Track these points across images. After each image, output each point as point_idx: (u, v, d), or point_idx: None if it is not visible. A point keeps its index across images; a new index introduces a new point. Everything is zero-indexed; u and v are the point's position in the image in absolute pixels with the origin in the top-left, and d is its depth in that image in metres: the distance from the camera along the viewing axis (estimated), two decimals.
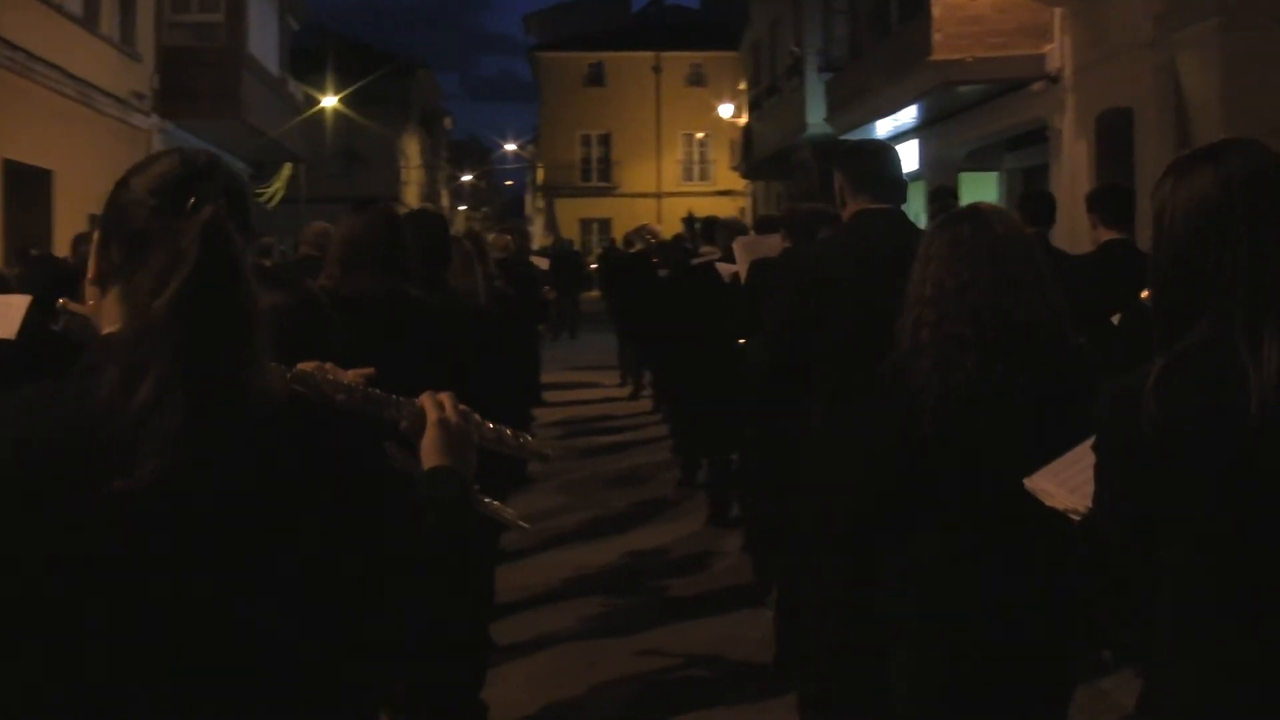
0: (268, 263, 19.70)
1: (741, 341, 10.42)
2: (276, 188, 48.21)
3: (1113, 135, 21.36)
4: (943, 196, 14.10)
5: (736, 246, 11.15)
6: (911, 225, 7.04)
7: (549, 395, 23.70)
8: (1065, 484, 3.96)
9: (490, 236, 19.59)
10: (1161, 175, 3.36)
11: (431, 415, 3.14)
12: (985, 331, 4.64)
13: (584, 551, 13.03)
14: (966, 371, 4.63)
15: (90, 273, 2.76)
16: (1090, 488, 3.62)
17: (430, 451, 3.09)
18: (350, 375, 3.15)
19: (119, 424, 2.46)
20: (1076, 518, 3.83)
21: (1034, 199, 10.61)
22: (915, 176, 28.22)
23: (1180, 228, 3.23)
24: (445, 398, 3.20)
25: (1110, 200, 9.61)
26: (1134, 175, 19.52)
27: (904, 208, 7.26)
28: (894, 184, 7.10)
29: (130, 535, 2.49)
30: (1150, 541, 3.34)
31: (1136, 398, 3.23)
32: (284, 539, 2.64)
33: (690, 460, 16.39)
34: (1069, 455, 4.01)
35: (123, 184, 2.74)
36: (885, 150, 7.41)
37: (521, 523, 3.49)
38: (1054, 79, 23.68)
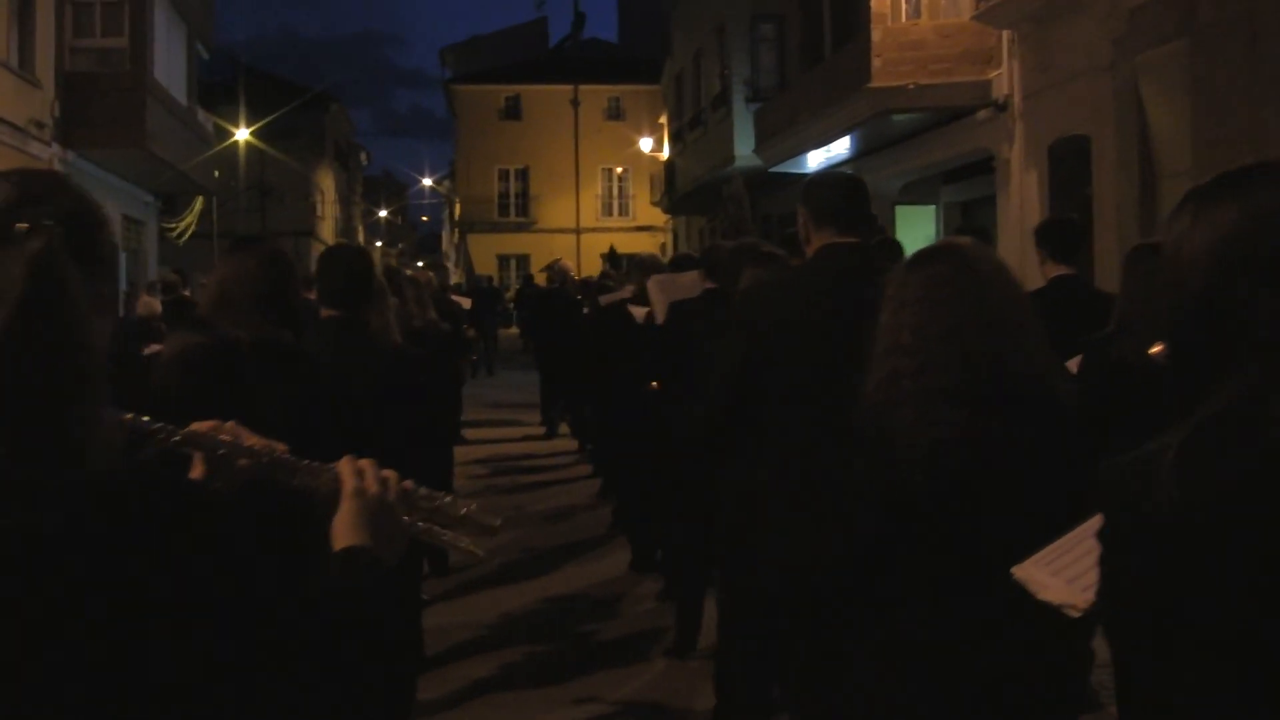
0: (186, 294, 19.10)
1: (654, 385, 10.98)
2: (188, 222, 47.67)
3: (1066, 165, 20.90)
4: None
5: (651, 286, 11.08)
6: (875, 260, 6.76)
7: (468, 433, 23.08)
8: (1061, 573, 3.62)
9: (409, 272, 19.00)
10: (1177, 207, 2.85)
11: (347, 484, 2.82)
12: (976, 382, 4.25)
13: (509, 594, 12.83)
14: (956, 426, 4.22)
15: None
16: (1090, 578, 3.20)
17: (343, 528, 2.76)
18: (256, 439, 2.93)
19: None
20: (1075, 613, 3.48)
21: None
22: None
23: (1204, 267, 2.73)
24: (366, 464, 2.87)
25: (1057, 234, 9.33)
26: (1091, 206, 19.04)
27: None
28: (860, 216, 6.87)
29: None
30: (1165, 647, 2.84)
31: (1149, 477, 2.76)
32: (116, 635, 2.25)
33: (619, 502, 16.07)
34: (1064, 540, 3.65)
35: None
36: (850, 181, 7.14)
37: (475, 549, 3.08)
38: (1001, 106, 23.13)
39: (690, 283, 10.31)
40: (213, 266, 6.39)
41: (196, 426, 2.90)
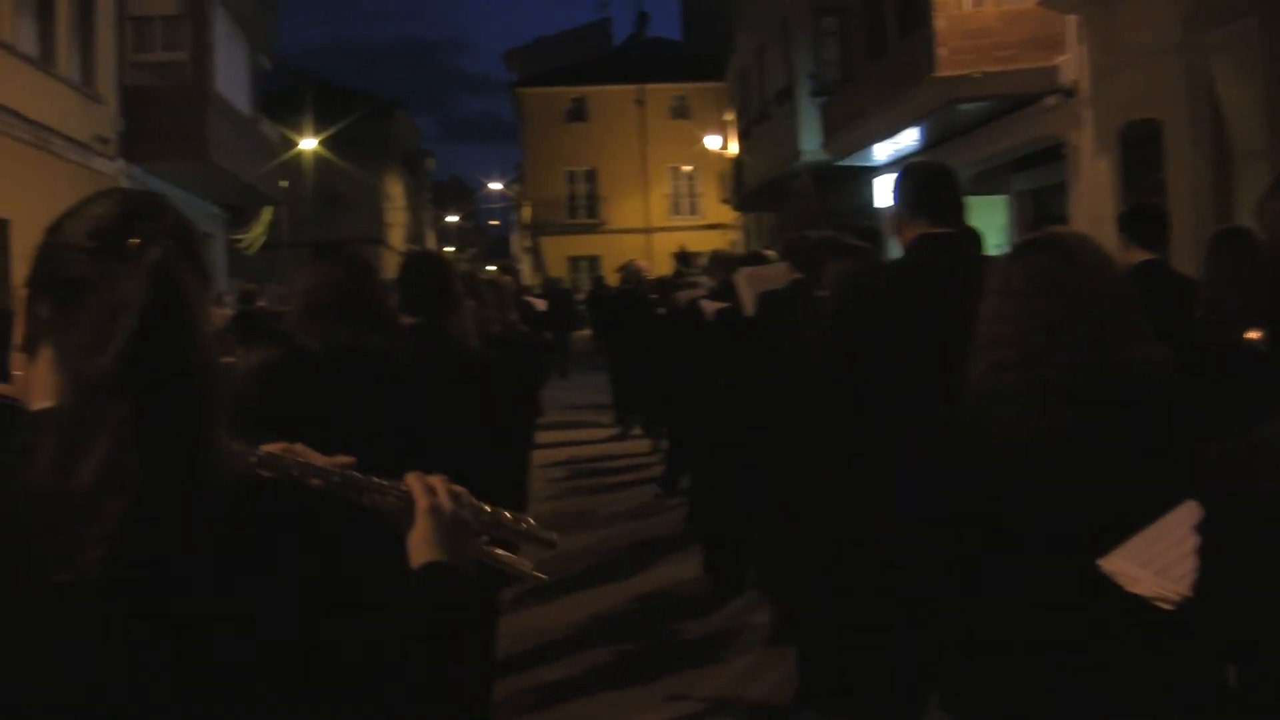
0: (262, 304, 19.08)
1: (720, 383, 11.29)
2: (257, 233, 47.71)
3: (1138, 149, 20.52)
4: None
5: (739, 279, 10.94)
6: (973, 248, 7.01)
7: (543, 436, 22.45)
8: (1151, 565, 3.57)
9: (489, 276, 18.99)
10: (1268, 190, 3.12)
11: (421, 503, 2.84)
12: (1080, 375, 4.17)
13: (592, 595, 12.95)
14: (1059, 419, 4.15)
15: (17, 336, 2.51)
16: (1183, 568, 3.30)
17: (421, 545, 2.80)
18: (324, 459, 2.88)
19: (58, 508, 2.22)
20: (1168, 606, 3.45)
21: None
22: None
23: None
24: (436, 481, 2.89)
25: (1140, 220, 9.01)
26: (1165, 191, 18.60)
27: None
28: (953, 205, 6.80)
29: (75, 634, 2.25)
30: (1271, 639, 2.95)
31: (1250, 466, 2.85)
32: (246, 640, 2.36)
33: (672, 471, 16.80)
34: (1152, 530, 3.63)
35: (54, 228, 2.51)
36: (942, 170, 7.06)
37: (538, 574, 3.14)
38: (1069, 92, 22.76)
39: (777, 274, 10.27)
40: (285, 276, 6.39)
41: (267, 449, 2.81)
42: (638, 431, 24.77)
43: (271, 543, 2.47)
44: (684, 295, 15.03)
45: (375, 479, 2.90)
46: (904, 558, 5.68)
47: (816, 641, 8.68)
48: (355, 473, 2.89)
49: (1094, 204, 21.18)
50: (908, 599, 6.20)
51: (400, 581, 2.75)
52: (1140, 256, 8.65)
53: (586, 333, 38.55)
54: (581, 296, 48.20)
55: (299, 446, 2.90)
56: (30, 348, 2.49)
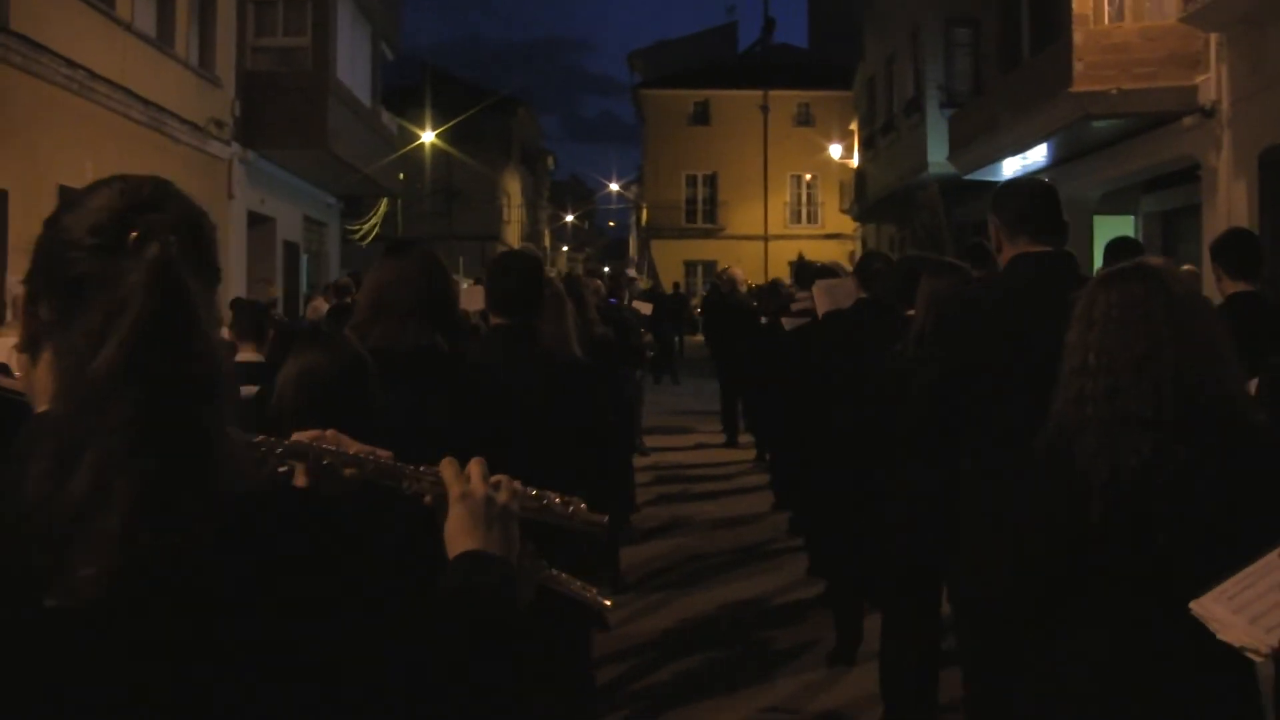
0: (348, 300, 19.02)
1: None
2: (372, 224, 47.74)
3: (1278, 173, 20.00)
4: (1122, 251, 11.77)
5: (817, 291, 11.18)
6: (1075, 268, 6.62)
7: (650, 441, 23.70)
8: (1244, 610, 3.50)
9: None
10: None
11: (454, 490, 2.76)
12: (1166, 410, 4.14)
13: (681, 602, 12.93)
14: (1141, 455, 4.13)
15: (18, 336, 2.40)
16: (1277, 618, 3.26)
17: (456, 534, 2.71)
18: (357, 446, 2.87)
19: (49, 523, 2.04)
20: (1258, 658, 3.47)
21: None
22: None
23: None
24: (473, 466, 2.82)
25: (1235, 249, 8.86)
26: None
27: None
28: (1054, 223, 6.64)
29: (69, 665, 2.07)
30: None
31: None
32: (261, 663, 2.15)
33: (794, 508, 16.16)
34: (1247, 573, 3.57)
35: (52, 221, 2.36)
36: (1043, 187, 6.92)
37: (606, 601, 3.08)
38: (1208, 112, 22.25)
39: (847, 291, 10.37)
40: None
41: (298, 436, 2.83)
42: (747, 439, 24.34)
43: (286, 555, 2.30)
44: (788, 321, 14.53)
45: (411, 466, 2.86)
46: (988, 589, 6.05)
47: (900, 665, 8.49)
48: (391, 460, 2.85)
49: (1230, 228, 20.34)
50: (988, 631, 6.43)
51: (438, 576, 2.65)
52: (1235, 288, 8.60)
53: (699, 338, 38.38)
54: (696, 302, 48.17)
55: (330, 433, 2.89)
56: (31, 349, 2.36)
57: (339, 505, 2.85)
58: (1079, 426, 4.27)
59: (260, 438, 2.78)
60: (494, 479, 2.82)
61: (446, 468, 2.81)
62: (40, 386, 2.33)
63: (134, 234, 2.24)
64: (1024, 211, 6.59)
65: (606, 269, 44.54)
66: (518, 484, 2.87)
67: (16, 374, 2.52)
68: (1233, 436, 4.18)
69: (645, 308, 23.41)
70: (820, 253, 50.69)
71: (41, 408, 2.30)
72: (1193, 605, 3.66)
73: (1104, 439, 4.20)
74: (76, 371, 2.15)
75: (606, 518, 3.00)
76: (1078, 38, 23.53)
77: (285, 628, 2.23)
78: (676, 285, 56.51)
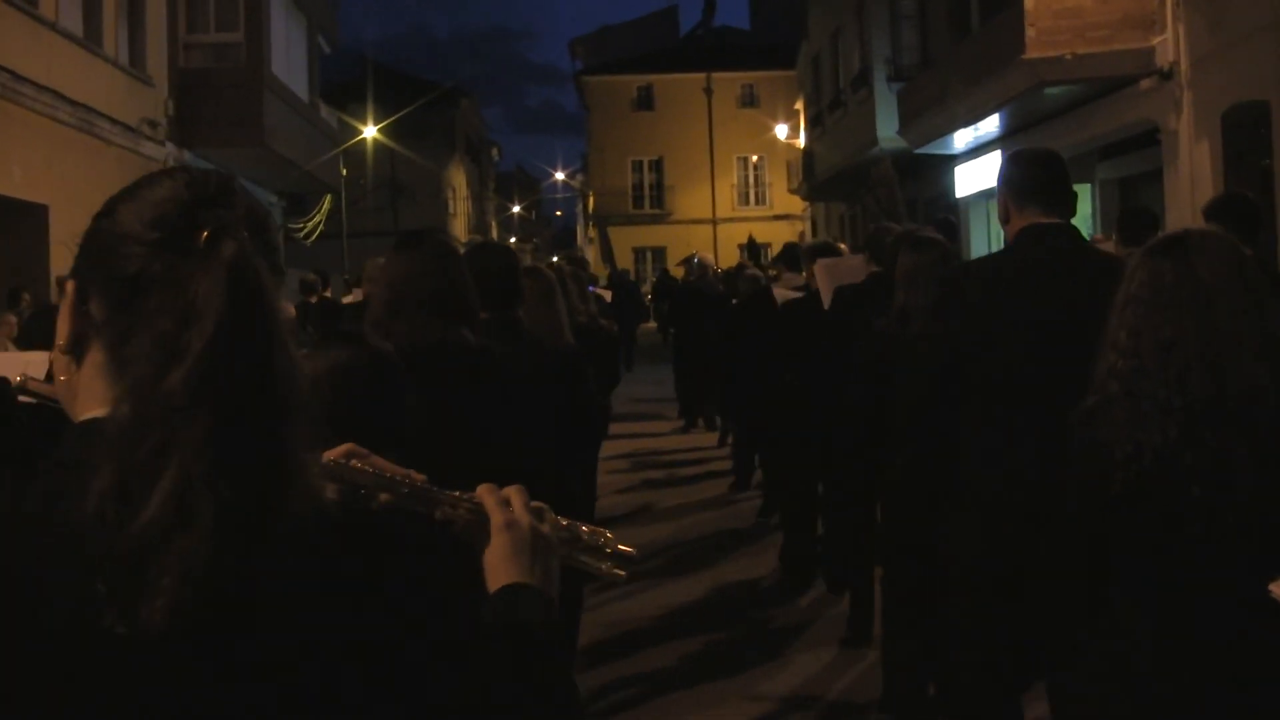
0: (313, 299, 18.71)
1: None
2: (316, 221, 47.33)
3: (1242, 134, 19.89)
4: (1136, 221, 11.59)
5: (819, 270, 11.09)
6: (1084, 241, 6.77)
7: (610, 428, 22.41)
8: None
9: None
10: None
11: (497, 518, 2.57)
12: (1192, 397, 4.08)
13: (666, 589, 12.88)
14: (1168, 436, 4.07)
15: (61, 336, 2.21)
16: None
17: (499, 565, 2.52)
18: (391, 467, 2.65)
19: (117, 546, 1.91)
20: None
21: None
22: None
23: None
24: (513, 493, 2.63)
25: (1229, 211, 8.78)
26: (1274, 178, 18.03)
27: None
28: (1064, 194, 6.56)
29: (134, 697, 1.95)
30: None
31: None
32: (319, 691, 2.07)
33: (771, 492, 16.05)
34: None
35: (106, 213, 2.19)
36: (1051, 156, 6.83)
37: (618, 571, 2.80)
38: (1166, 74, 22.08)
39: (856, 267, 10.38)
40: (346, 266, 5.74)
41: (328, 455, 2.58)
42: (701, 425, 24.89)
43: (364, 583, 2.19)
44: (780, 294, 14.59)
45: (447, 492, 2.66)
46: (1001, 557, 6.08)
47: (900, 643, 8.59)
48: (426, 484, 2.66)
49: (1193, 193, 20.31)
50: (1001, 602, 6.31)
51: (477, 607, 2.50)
52: None
53: (651, 325, 38.13)
54: (646, 288, 48.02)
55: (363, 452, 2.67)
56: (76, 350, 2.20)
57: (397, 529, 2.64)
58: (1108, 400, 4.25)
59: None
60: (535, 506, 2.66)
61: (487, 495, 2.64)
62: (86, 390, 2.18)
63: (204, 231, 2.09)
64: (1035, 182, 6.50)
65: (554, 258, 44.43)
66: (551, 514, 2.71)
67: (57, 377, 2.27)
68: (1259, 420, 4.08)
69: (605, 295, 23.61)
70: (770, 234, 50.76)
71: (89, 413, 2.15)
72: (1273, 586, 3.68)
73: (1129, 415, 4.16)
74: (149, 383, 1.99)
75: (634, 551, 2.85)
76: (1029, 3, 23.17)
77: (345, 655, 2.11)
78: (625, 272, 56.19)
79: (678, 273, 31.57)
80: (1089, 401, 4.36)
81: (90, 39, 25.24)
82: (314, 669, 2.09)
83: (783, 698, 9.58)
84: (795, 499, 13.31)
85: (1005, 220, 6.63)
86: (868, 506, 9.75)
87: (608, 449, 20.13)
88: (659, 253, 74.18)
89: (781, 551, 13.38)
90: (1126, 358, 4.25)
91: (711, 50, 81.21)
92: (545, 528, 2.64)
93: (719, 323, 18.93)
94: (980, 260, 7.80)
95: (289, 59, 34.33)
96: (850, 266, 10.63)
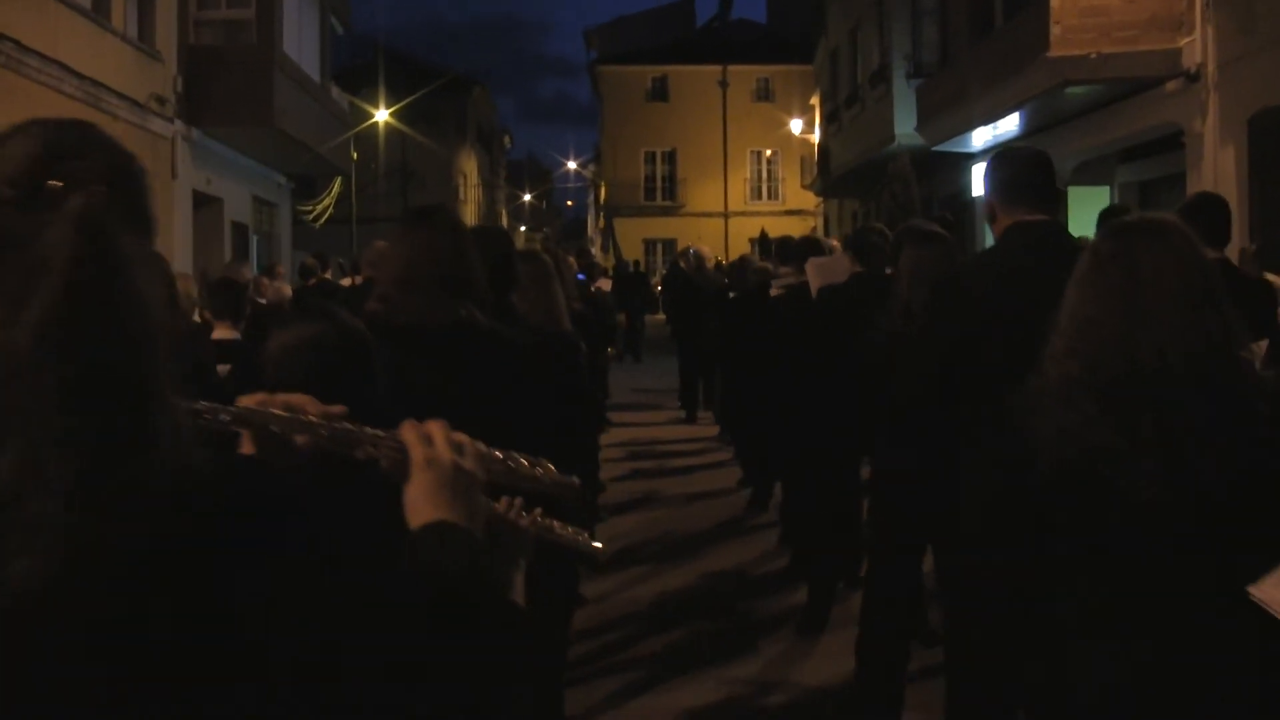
0: (311, 281, 18.61)
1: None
2: (325, 204, 47.15)
3: (1269, 139, 19.56)
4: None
5: (809, 268, 11.34)
6: (1070, 238, 6.77)
7: (613, 417, 23.92)
8: None
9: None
10: None
11: (417, 454, 2.58)
12: (1101, 375, 4.14)
13: (657, 574, 13.19)
14: (1085, 415, 4.12)
15: None
16: None
17: (419, 502, 2.51)
18: (313, 407, 2.68)
19: None
20: None
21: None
22: None
23: None
24: (434, 428, 2.65)
25: (1206, 215, 8.69)
26: None
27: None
28: (1050, 193, 6.71)
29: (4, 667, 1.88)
30: None
31: None
32: (213, 659, 1.96)
33: (762, 485, 16.56)
34: None
35: None
36: (1038, 155, 6.93)
37: (596, 545, 3.00)
38: (1193, 76, 21.73)
39: (841, 267, 10.61)
40: (353, 251, 5.57)
41: (244, 401, 2.64)
42: (706, 416, 24.86)
43: (240, 537, 2.07)
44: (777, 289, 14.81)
45: (369, 429, 2.66)
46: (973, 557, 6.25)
47: (878, 633, 8.64)
48: (347, 424, 2.66)
49: None
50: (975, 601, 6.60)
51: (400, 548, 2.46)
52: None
53: (660, 317, 38.06)
54: (656, 280, 47.95)
55: (283, 398, 2.67)
56: None
57: (293, 478, 2.66)
58: (1043, 380, 4.30)
59: (201, 404, 2.50)
60: (457, 440, 2.63)
61: (408, 430, 2.63)
62: None
63: (54, 183, 2.13)
64: (1022, 180, 6.59)
65: (571, 258, 44.45)
66: (481, 446, 2.70)
67: None
68: (1207, 403, 4.07)
69: (605, 284, 24.13)
70: (782, 229, 50.43)
71: None
72: (1252, 590, 3.64)
73: (1056, 398, 4.22)
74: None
75: (577, 479, 2.87)
76: (1054, 1, 22.82)
77: (237, 619, 2.00)
78: (636, 263, 56.18)
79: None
80: (1029, 383, 4.39)
81: (99, 12, 24.83)
82: (188, 636, 1.97)
83: (759, 683, 9.78)
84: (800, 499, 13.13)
85: (991, 220, 6.70)
86: (851, 504, 10.17)
87: (610, 437, 21.61)
88: (670, 245, 73.80)
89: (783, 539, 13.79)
90: (1061, 338, 4.30)
91: (727, 43, 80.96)
92: (468, 463, 2.60)
93: (719, 316, 19.05)
94: (969, 260, 7.92)
95: (301, 39, 33.98)
96: (837, 266, 10.83)
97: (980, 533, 5.92)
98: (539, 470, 2.82)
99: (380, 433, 2.67)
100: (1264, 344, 6.73)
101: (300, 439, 2.65)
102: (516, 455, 2.82)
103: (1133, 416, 4.10)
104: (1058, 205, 6.73)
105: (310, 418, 2.67)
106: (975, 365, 6.47)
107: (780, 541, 14.01)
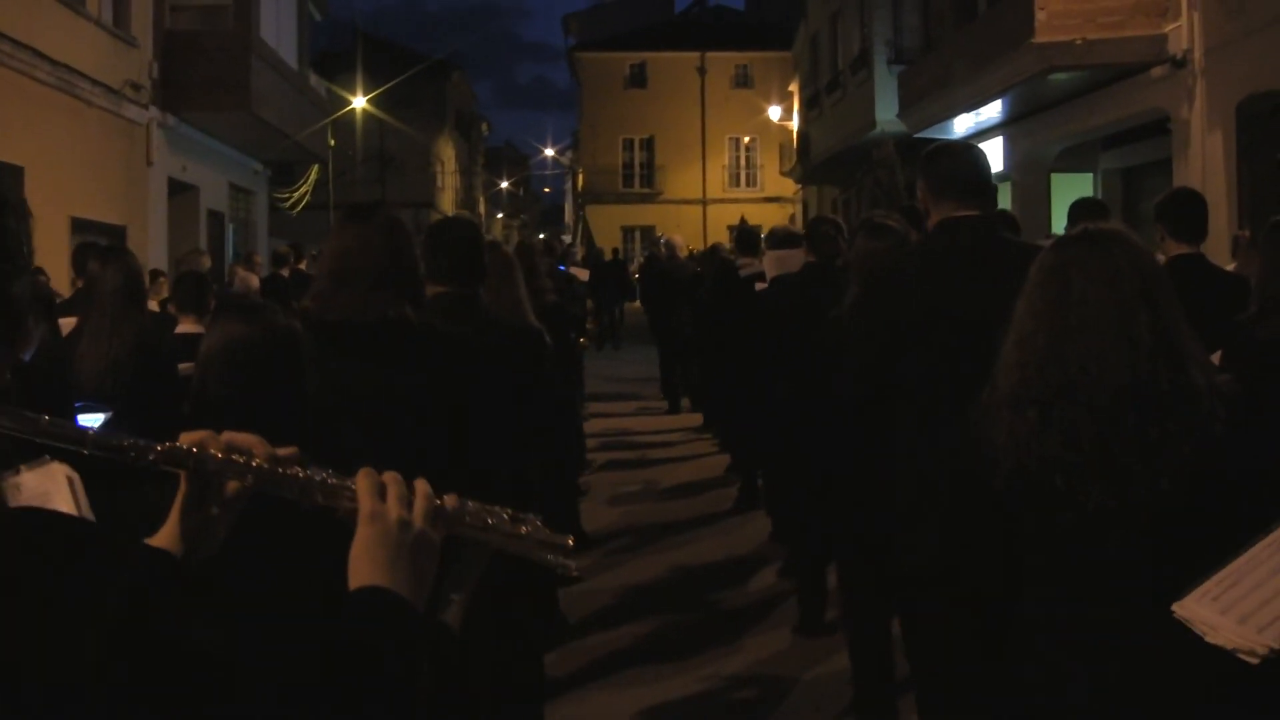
0: (285, 271, 18.55)
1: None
2: (302, 191, 46.97)
3: (1257, 125, 19.53)
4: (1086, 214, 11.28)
5: (767, 261, 11.73)
6: (1002, 234, 6.72)
7: (593, 408, 24.05)
8: (1231, 611, 3.35)
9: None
10: None
11: (365, 506, 2.35)
12: (1039, 389, 4.15)
13: (639, 565, 13.20)
14: (1033, 425, 4.13)
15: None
16: (1268, 614, 3.20)
17: (358, 560, 2.31)
18: (260, 449, 2.39)
19: None
20: (1254, 660, 3.25)
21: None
22: (1001, 178, 26.42)
23: None
24: (390, 478, 2.41)
25: (1179, 210, 8.78)
26: None
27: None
28: (981, 186, 6.64)
29: None
30: None
31: None
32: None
33: (747, 477, 16.30)
34: (1229, 570, 3.44)
35: None
36: (971, 150, 6.98)
37: (568, 561, 2.59)
38: (1179, 62, 21.64)
39: (795, 259, 10.64)
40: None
41: (185, 438, 2.35)
42: (687, 404, 24.76)
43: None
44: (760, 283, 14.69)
45: (321, 475, 2.41)
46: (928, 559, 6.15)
47: (861, 637, 8.57)
48: (298, 468, 2.41)
49: (1205, 185, 19.72)
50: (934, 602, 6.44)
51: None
52: (1178, 250, 8.59)
53: (637, 306, 37.99)
54: (633, 268, 47.86)
55: (226, 436, 2.42)
56: None
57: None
58: (995, 394, 4.30)
59: (127, 440, 2.25)
60: (412, 492, 2.41)
61: (362, 479, 2.38)
62: None
63: None
64: (950, 174, 6.58)
65: (541, 235, 44.41)
66: (453, 500, 2.47)
67: None
68: (1162, 414, 4.02)
69: (582, 274, 23.84)
70: (761, 216, 50.41)
71: None
72: (1175, 608, 3.55)
73: (1007, 409, 4.22)
74: None
75: (570, 538, 2.63)
76: None
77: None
78: (615, 251, 56.00)
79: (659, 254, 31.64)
80: (984, 395, 4.39)
81: None
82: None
83: (738, 677, 9.75)
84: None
85: (926, 213, 6.69)
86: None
87: (591, 428, 21.22)
88: (648, 231, 73.57)
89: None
90: (1011, 350, 4.28)
91: (706, 29, 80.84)
92: (418, 521, 2.39)
93: (692, 304, 19.23)
94: (897, 256, 7.70)
95: (278, 25, 33.80)
96: (792, 257, 10.84)
97: (936, 538, 5.92)
98: (523, 527, 2.59)
99: (333, 480, 2.46)
100: (1218, 355, 6.47)
101: (232, 486, 2.46)
102: (499, 510, 2.59)
103: (1072, 429, 4.09)
104: (991, 199, 6.72)
105: (256, 461, 2.43)
106: (904, 363, 6.49)
107: (772, 536, 13.81)
